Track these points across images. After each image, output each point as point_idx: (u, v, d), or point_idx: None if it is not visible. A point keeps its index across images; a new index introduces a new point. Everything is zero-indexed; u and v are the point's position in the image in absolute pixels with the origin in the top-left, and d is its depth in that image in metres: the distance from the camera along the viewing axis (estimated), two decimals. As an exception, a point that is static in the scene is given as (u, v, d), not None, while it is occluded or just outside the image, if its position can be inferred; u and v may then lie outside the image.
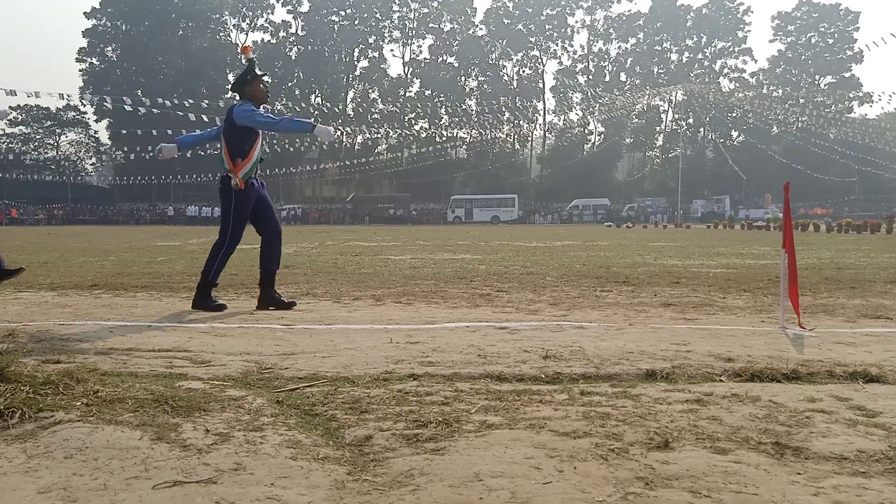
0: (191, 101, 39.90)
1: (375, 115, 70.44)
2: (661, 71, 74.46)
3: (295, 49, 72.13)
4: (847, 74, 71.33)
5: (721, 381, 3.05)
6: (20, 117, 57.91)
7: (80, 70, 69.89)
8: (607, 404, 2.65)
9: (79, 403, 2.51)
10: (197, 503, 1.75)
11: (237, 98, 5.66)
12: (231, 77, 71.13)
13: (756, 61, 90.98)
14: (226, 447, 2.17)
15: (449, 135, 66.64)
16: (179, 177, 59.64)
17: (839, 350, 3.72)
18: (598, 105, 65.96)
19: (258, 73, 5.62)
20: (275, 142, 53.27)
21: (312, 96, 70.04)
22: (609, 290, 6.77)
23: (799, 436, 2.27)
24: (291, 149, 50.89)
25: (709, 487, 1.84)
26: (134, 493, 1.82)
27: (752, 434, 2.28)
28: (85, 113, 68.55)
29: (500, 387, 2.94)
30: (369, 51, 73.78)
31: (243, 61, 5.76)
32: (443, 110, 69.98)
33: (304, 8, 71.96)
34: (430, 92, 70.94)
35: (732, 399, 2.72)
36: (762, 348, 3.75)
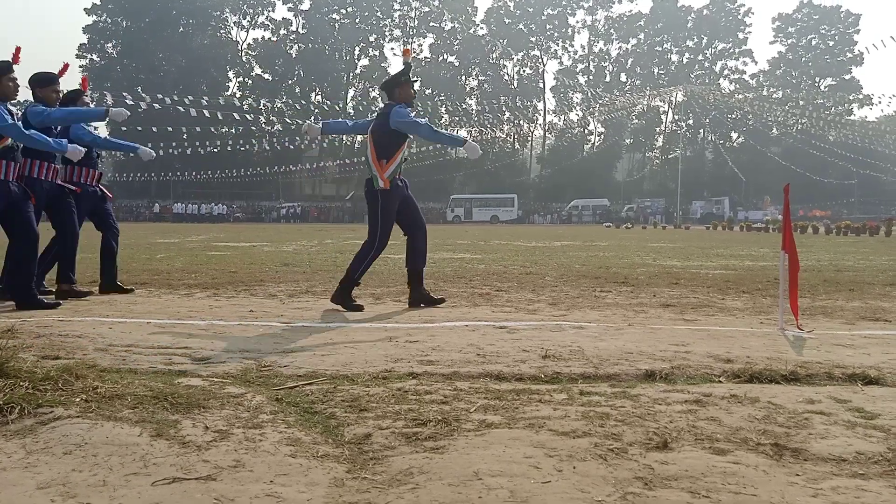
0: (191, 98, 39.81)
1: (375, 114, 70.36)
2: (661, 72, 74.44)
3: (296, 47, 72.02)
4: (847, 77, 71.33)
5: (720, 382, 3.05)
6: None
7: (80, 66, 69.81)
8: (606, 404, 2.65)
9: (78, 399, 2.51)
10: (196, 500, 1.75)
11: (385, 98, 5.65)
12: (231, 74, 71.16)
13: (756, 63, 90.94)
14: (225, 444, 2.17)
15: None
16: (178, 174, 59.60)
17: (838, 352, 3.72)
18: (598, 105, 65.96)
19: (412, 78, 5.65)
20: (274, 139, 53.27)
21: (313, 94, 69.96)
22: (608, 290, 6.77)
23: (798, 437, 2.27)
24: (292, 147, 50.83)
25: (707, 488, 1.84)
26: (133, 489, 1.82)
27: (751, 435, 2.28)
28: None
29: (500, 386, 2.94)
30: (370, 49, 73.72)
31: (402, 63, 5.78)
32: (443, 109, 69.96)
33: (305, 6, 71.90)
34: (430, 91, 70.89)
35: (731, 400, 2.72)
36: (761, 350, 3.76)
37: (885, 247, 16.93)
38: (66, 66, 6.11)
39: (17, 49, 5.58)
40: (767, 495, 1.80)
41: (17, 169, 5.33)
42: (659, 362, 3.39)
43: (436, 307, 5.54)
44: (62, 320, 4.70)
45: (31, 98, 5.78)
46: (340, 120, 6.31)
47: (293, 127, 50.26)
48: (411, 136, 5.70)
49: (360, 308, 5.37)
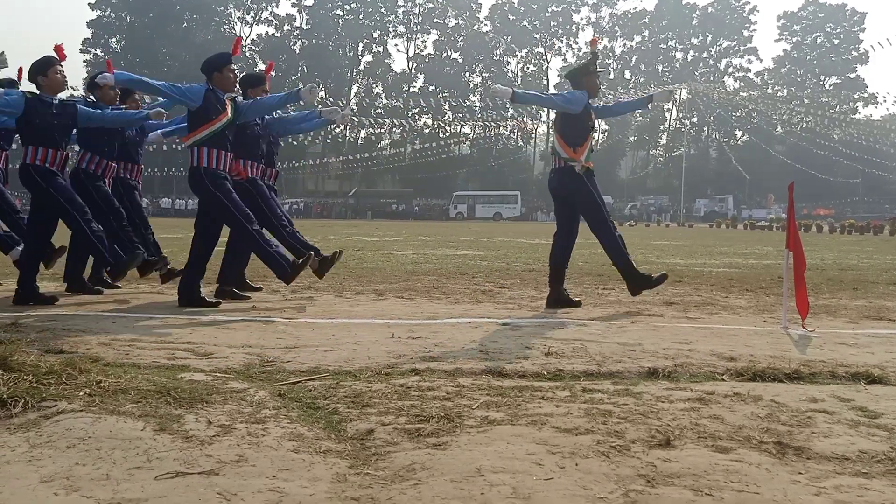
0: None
1: (379, 110, 70.29)
2: (665, 69, 74.25)
3: (299, 43, 72.01)
4: (852, 75, 71.11)
5: (723, 380, 3.05)
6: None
7: (84, 61, 69.82)
8: (609, 402, 2.65)
9: (81, 393, 2.52)
10: (199, 494, 1.75)
11: (568, 86, 5.63)
12: (235, 69, 71.05)
13: (761, 61, 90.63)
14: (228, 439, 2.17)
15: (452, 131, 66.53)
16: (181, 170, 59.58)
17: (841, 351, 3.71)
18: (602, 103, 65.83)
19: (599, 69, 5.65)
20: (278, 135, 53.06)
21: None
22: (611, 287, 6.76)
23: (801, 436, 2.27)
24: (295, 143, 50.78)
25: (710, 486, 1.84)
26: (136, 483, 1.82)
27: (754, 433, 2.28)
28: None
29: (502, 383, 2.94)
30: (373, 45, 73.62)
31: (589, 53, 5.78)
32: (446, 106, 69.87)
33: (309, 1, 71.81)
34: (434, 87, 70.82)
35: (734, 398, 2.72)
36: (764, 348, 3.75)
37: (889, 246, 16.88)
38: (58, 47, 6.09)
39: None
40: (770, 493, 1.80)
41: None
42: (662, 360, 3.39)
43: (441, 305, 5.53)
44: (66, 315, 4.71)
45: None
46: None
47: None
48: (597, 122, 5.67)
49: (576, 304, 5.39)
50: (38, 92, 5.23)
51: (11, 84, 6.07)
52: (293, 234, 5.80)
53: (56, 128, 5.25)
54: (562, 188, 5.54)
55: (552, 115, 5.94)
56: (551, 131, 5.55)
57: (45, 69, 5.18)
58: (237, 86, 5.74)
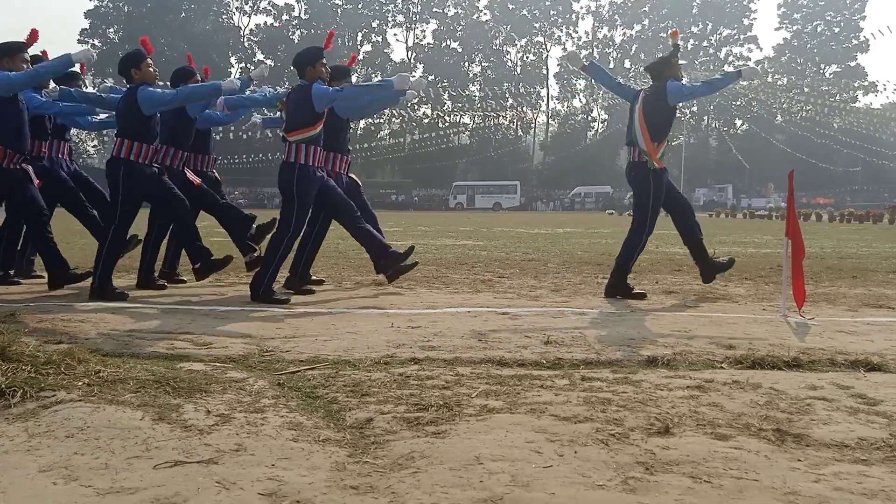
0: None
1: (378, 101, 70.04)
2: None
3: (298, 32, 71.63)
4: (852, 64, 70.82)
5: (722, 368, 3.05)
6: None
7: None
8: (608, 390, 2.65)
9: (80, 383, 2.51)
10: (198, 483, 1.75)
11: (651, 79, 5.56)
12: (234, 60, 70.87)
13: (761, 49, 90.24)
14: (227, 428, 2.17)
15: (452, 121, 66.40)
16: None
17: (841, 338, 3.71)
18: (601, 92, 65.63)
19: (680, 60, 5.60)
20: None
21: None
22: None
23: (800, 423, 2.27)
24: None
25: (709, 473, 1.84)
26: (135, 472, 1.82)
27: (753, 421, 2.28)
28: (87, 94, 68.15)
29: (501, 371, 2.94)
30: (372, 35, 73.27)
31: (671, 45, 5.74)
32: (446, 96, 69.68)
33: (307, -9, 71.52)
34: (433, 77, 70.57)
35: (733, 386, 2.72)
36: (763, 336, 3.75)
37: (888, 234, 16.87)
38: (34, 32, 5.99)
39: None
40: (769, 480, 1.80)
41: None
42: (661, 348, 3.39)
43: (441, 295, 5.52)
44: (64, 305, 4.71)
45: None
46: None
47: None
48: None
49: (642, 296, 5.31)
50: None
51: (74, 77, 6.06)
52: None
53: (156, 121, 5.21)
54: (631, 182, 5.56)
55: (614, 100, 5.91)
56: (635, 119, 5.41)
57: (139, 62, 5.12)
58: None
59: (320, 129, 5.17)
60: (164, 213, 5.52)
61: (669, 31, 6.17)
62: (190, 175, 5.67)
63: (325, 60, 5.27)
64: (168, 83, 6.52)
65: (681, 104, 5.42)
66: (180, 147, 5.69)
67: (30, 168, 5.28)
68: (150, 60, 5.23)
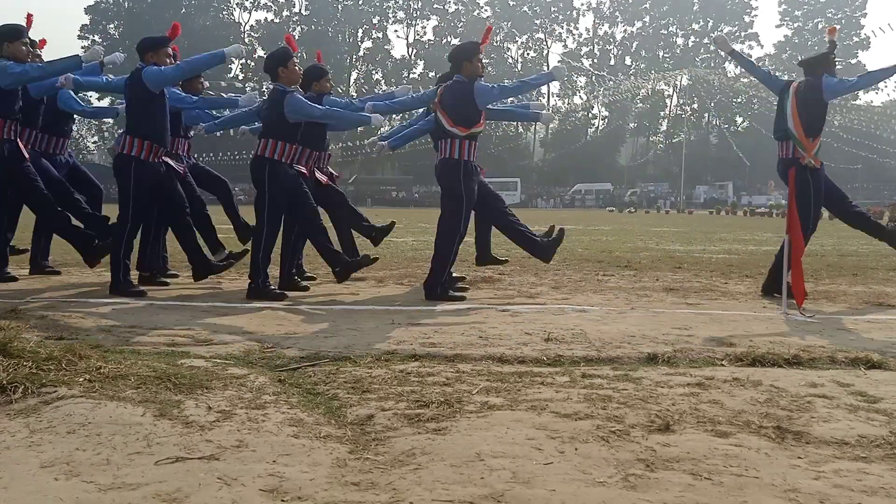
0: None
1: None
2: (666, 55, 73.84)
3: (298, 28, 71.55)
4: (853, 61, 70.67)
5: (722, 365, 3.05)
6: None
7: (82, 47, 69.38)
8: (609, 387, 2.65)
9: (81, 379, 2.51)
10: (199, 479, 1.76)
11: (804, 74, 5.50)
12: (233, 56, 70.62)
13: (762, 46, 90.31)
14: (228, 424, 2.17)
15: (452, 117, 66.29)
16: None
17: (841, 336, 3.72)
18: (602, 89, 65.55)
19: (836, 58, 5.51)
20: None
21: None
22: (611, 274, 6.76)
23: (800, 420, 2.27)
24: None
25: (709, 470, 1.84)
26: (136, 468, 1.82)
27: (754, 418, 2.29)
28: (88, 90, 68.07)
29: (502, 368, 2.95)
30: (373, 31, 73.15)
31: (827, 42, 5.65)
32: (446, 92, 69.53)
33: (308, -13, 71.39)
34: (434, 74, 70.41)
35: (734, 383, 2.72)
36: (764, 333, 3.75)
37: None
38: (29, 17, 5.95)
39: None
40: (769, 478, 1.80)
41: None
42: (661, 345, 3.39)
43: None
44: (65, 301, 4.71)
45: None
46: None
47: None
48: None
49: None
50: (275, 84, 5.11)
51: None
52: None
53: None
54: (784, 177, 5.51)
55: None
56: (788, 112, 5.34)
57: (286, 61, 5.10)
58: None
59: (483, 127, 5.15)
60: (298, 217, 5.30)
61: (827, 28, 6.06)
62: (319, 175, 5.65)
63: (482, 56, 5.22)
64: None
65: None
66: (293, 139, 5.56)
67: (172, 162, 5.38)
68: (296, 59, 5.20)
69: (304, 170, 5.27)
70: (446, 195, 5.16)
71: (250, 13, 74.04)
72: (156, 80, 4.94)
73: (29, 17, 5.86)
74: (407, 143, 6.49)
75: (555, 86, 74.61)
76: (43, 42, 6.04)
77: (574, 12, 74.44)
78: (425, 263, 7.54)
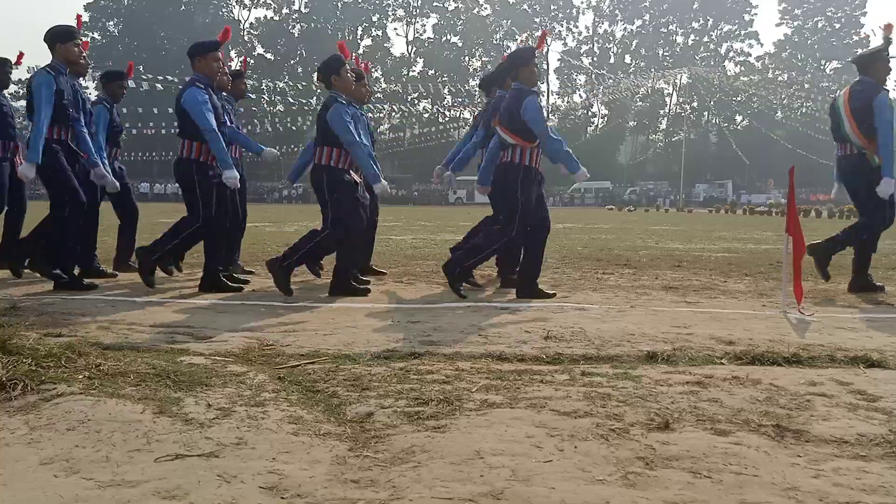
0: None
1: (378, 95, 69.99)
2: (666, 53, 73.86)
3: (298, 26, 71.55)
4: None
5: (722, 363, 3.05)
6: (21, 91, 57.66)
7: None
8: (608, 385, 2.65)
9: (81, 376, 2.51)
10: (199, 476, 1.76)
11: (858, 73, 5.46)
12: (233, 53, 70.63)
13: (762, 45, 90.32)
14: (228, 422, 2.17)
15: (452, 115, 66.26)
16: (172, 154, 59.33)
17: (840, 335, 3.72)
18: (602, 87, 65.53)
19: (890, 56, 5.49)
20: (276, 120, 52.99)
21: (315, 74, 69.58)
22: (610, 272, 6.76)
23: (799, 419, 2.27)
24: (294, 128, 50.57)
25: (709, 468, 1.84)
26: (136, 465, 1.82)
27: (753, 416, 2.29)
28: (86, 88, 67.91)
29: (501, 366, 2.95)
30: (373, 29, 73.17)
31: (882, 38, 5.61)
32: (446, 90, 69.55)
33: (308, -16, 71.34)
34: (433, 72, 70.50)
35: (733, 381, 2.72)
36: (763, 332, 3.75)
37: (887, 231, 16.86)
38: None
39: (888, 26, 5.58)
40: (769, 476, 1.80)
41: None
42: (661, 344, 3.39)
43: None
44: (65, 298, 4.71)
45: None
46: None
47: (294, 107, 49.91)
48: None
49: (880, 288, 5.49)
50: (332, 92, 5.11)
51: (121, 77, 6.31)
52: None
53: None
54: (847, 177, 5.56)
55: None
56: (842, 114, 5.38)
57: (338, 69, 5.10)
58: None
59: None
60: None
61: (883, 24, 5.89)
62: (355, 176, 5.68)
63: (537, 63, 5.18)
64: (166, 76, 6.50)
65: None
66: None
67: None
68: (349, 66, 5.19)
69: (357, 178, 5.25)
70: (504, 198, 5.12)
71: (250, 11, 73.99)
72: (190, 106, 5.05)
73: (79, 18, 5.94)
74: (465, 164, 6.55)
75: (555, 84, 74.77)
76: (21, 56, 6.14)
77: (574, 10, 74.50)
78: (425, 261, 7.55)
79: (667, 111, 75.87)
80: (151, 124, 37.95)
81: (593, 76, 70.09)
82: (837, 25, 71.32)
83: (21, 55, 6.23)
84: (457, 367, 2.90)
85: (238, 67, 6.61)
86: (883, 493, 1.72)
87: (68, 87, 5.20)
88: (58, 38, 5.17)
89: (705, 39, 74.70)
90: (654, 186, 65.02)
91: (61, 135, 5.22)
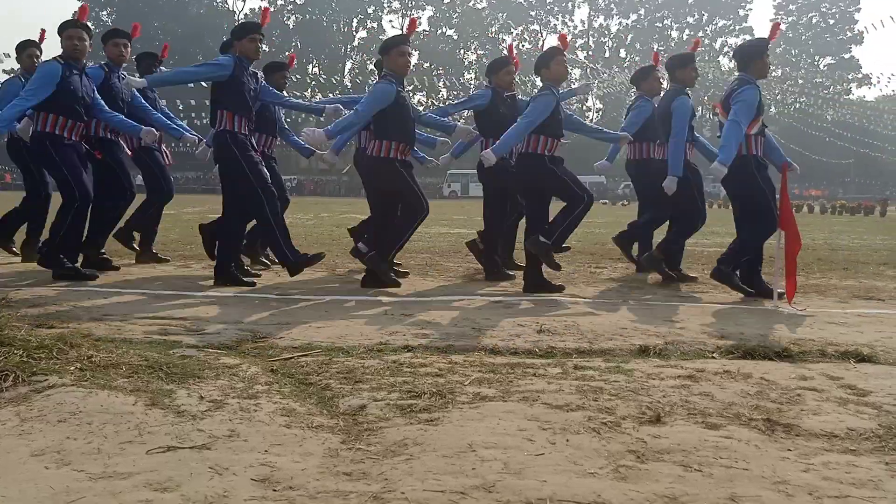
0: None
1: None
2: (661, 48, 73.66)
3: (293, 18, 71.24)
4: (847, 56, 70.90)
5: (713, 357, 3.07)
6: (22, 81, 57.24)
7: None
8: (600, 379, 2.66)
9: (73, 368, 2.51)
10: (191, 468, 1.76)
11: None
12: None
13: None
14: (220, 414, 2.17)
15: (446, 108, 66.14)
16: (175, 145, 59.05)
17: (831, 330, 3.74)
18: (597, 81, 65.49)
19: None
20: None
21: (310, 66, 69.29)
22: (604, 266, 6.78)
23: (790, 413, 2.29)
24: (288, 119, 50.33)
25: (700, 461, 1.85)
26: (128, 457, 1.82)
27: (744, 410, 2.30)
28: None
29: (494, 360, 2.95)
30: (368, 21, 72.86)
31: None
32: (441, 83, 69.41)
33: (303, -24, 70.97)
34: (428, 64, 70.29)
35: (724, 376, 2.73)
36: (755, 326, 3.77)
37: (879, 227, 16.95)
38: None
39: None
40: (759, 469, 1.81)
41: None
42: (653, 338, 3.40)
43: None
44: (57, 289, 4.69)
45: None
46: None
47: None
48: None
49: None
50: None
51: (154, 58, 6.54)
52: None
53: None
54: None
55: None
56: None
57: (389, 49, 5.20)
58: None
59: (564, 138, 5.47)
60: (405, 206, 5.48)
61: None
62: None
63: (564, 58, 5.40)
64: (162, 67, 6.46)
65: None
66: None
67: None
68: (404, 47, 5.22)
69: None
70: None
71: (244, 1, 73.56)
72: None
73: (84, 7, 5.93)
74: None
75: (551, 79, 74.50)
76: (42, 33, 6.14)
77: (569, 4, 74.31)
78: (419, 254, 7.55)
79: (661, 106, 75.79)
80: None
81: (588, 70, 70.00)
82: (832, 21, 71.44)
83: (43, 32, 6.27)
84: (450, 361, 2.91)
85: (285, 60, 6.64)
86: (872, 487, 1.73)
87: (78, 80, 5.14)
88: (60, 29, 5.19)
89: (700, 34, 74.65)
90: (648, 181, 64.99)
91: (66, 129, 5.16)
